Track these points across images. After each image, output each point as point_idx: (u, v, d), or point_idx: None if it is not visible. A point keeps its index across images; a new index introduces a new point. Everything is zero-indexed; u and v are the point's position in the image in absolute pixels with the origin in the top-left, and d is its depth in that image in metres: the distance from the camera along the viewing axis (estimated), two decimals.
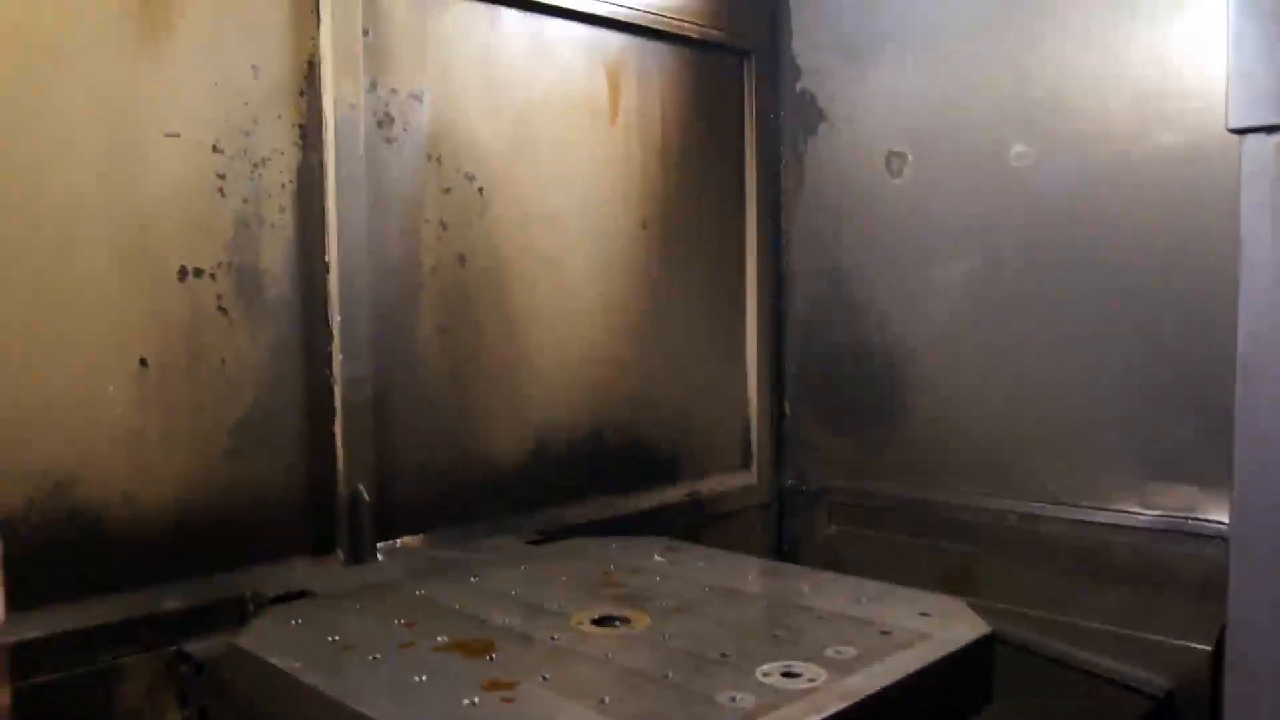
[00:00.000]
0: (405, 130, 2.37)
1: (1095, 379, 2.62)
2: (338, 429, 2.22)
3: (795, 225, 3.26)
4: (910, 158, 2.97)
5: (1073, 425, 2.67)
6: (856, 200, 3.09)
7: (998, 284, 2.80)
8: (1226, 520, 1.68)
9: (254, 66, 2.11)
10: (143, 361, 1.96)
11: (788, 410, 3.31)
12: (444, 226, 2.44)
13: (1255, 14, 1.31)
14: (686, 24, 2.99)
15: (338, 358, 2.22)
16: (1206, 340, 2.42)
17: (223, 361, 2.07)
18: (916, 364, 2.99)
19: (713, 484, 3.12)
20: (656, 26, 2.90)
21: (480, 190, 2.51)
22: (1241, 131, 1.40)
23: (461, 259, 2.48)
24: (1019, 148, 2.74)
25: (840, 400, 3.19)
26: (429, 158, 2.41)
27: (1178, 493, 2.51)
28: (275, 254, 2.15)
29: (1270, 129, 1.35)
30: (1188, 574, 2.46)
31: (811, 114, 3.19)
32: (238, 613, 1.98)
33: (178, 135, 2.00)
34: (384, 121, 2.33)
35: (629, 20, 2.82)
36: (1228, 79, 1.37)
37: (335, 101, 2.20)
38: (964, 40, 2.84)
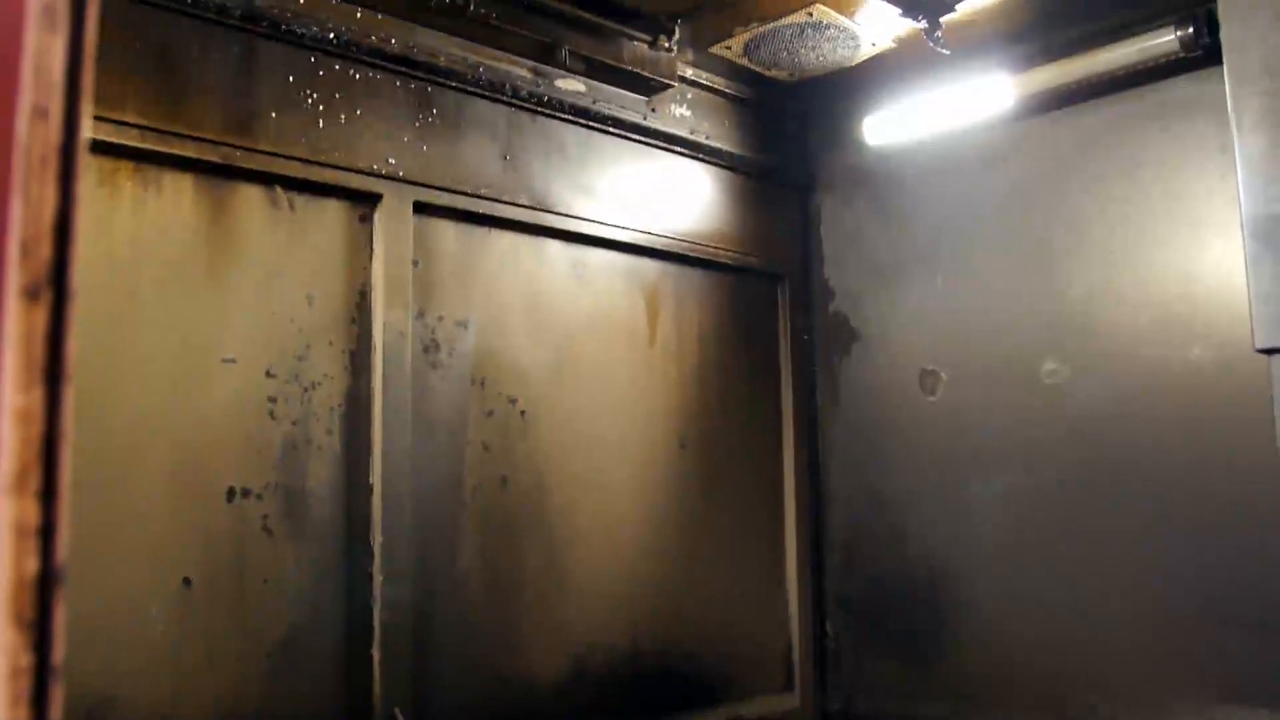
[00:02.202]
0: (451, 355, 2.45)
1: (1146, 596, 2.55)
2: (376, 651, 2.20)
3: (832, 442, 3.28)
4: (943, 376, 3.01)
5: (1127, 646, 2.58)
6: (892, 418, 3.12)
7: (1038, 501, 2.77)
8: None
9: (309, 296, 2.22)
10: (186, 581, 1.97)
11: (830, 630, 3.23)
12: (486, 449, 2.49)
13: (1269, 241, 1.37)
14: (721, 251, 3.11)
15: (378, 579, 2.22)
16: (1260, 552, 2.36)
17: (265, 582, 2.08)
18: (959, 583, 2.93)
19: (755, 707, 3.02)
20: (692, 254, 3.03)
21: (522, 413, 2.57)
22: (1269, 352, 1.43)
23: (503, 480, 2.51)
24: (1051, 364, 2.77)
25: (883, 620, 3.12)
26: (473, 382, 2.49)
27: (1249, 719, 2.39)
28: (321, 475, 2.19)
29: None
30: None
31: (845, 334, 3.27)
32: None
33: (234, 361, 2.09)
34: (430, 347, 2.41)
35: (666, 249, 2.95)
36: (1250, 303, 1.42)
37: (384, 328, 2.29)
38: (991, 259, 2.93)
